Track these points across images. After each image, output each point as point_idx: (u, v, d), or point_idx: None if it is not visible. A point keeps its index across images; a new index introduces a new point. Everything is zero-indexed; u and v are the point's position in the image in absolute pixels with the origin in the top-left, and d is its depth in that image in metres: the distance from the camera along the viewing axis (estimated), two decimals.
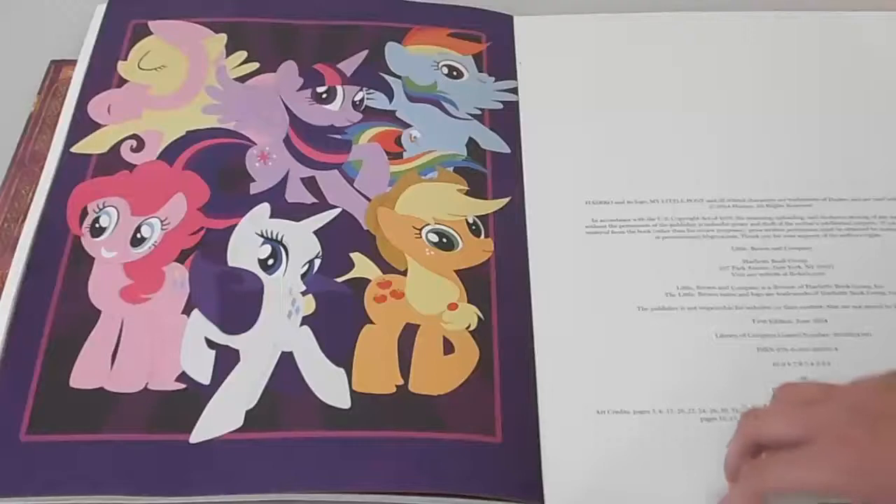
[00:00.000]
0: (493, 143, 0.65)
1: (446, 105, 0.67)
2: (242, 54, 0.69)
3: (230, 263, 0.59)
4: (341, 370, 0.55)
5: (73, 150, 0.64)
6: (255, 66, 0.68)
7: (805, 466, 0.45)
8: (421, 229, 0.61)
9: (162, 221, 0.60)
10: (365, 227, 0.60)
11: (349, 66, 0.69)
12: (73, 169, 0.63)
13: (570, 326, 0.57)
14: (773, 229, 0.61)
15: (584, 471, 0.52)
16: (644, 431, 0.53)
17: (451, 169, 0.64)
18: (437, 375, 0.55)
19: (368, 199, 0.62)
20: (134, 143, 0.64)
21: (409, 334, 0.56)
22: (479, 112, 0.67)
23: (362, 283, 0.58)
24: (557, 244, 0.60)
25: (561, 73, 0.69)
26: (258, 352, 0.55)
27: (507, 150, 0.65)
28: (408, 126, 0.66)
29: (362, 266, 0.59)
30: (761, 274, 0.59)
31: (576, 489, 0.51)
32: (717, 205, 0.62)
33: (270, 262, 0.59)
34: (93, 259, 0.59)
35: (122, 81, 0.67)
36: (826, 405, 0.46)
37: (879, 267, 0.59)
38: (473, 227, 0.61)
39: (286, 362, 0.55)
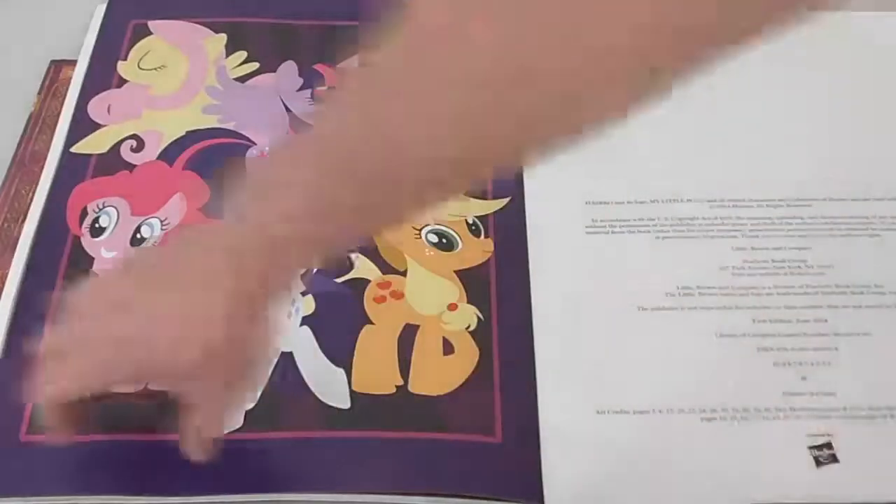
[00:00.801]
0: None
1: None
2: (242, 54, 0.69)
3: None
4: (341, 370, 0.55)
5: (72, 149, 0.64)
6: (254, 66, 0.68)
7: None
8: (420, 230, 0.61)
9: (162, 221, 0.60)
10: None
11: (349, 66, 0.69)
12: (73, 169, 0.63)
13: (570, 327, 0.57)
14: (773, 229, 0.61)
15: (584, 471, 0.52)
16: (644, 431, 0.53)
17: None
18: (437, 376, 0.55)
19: None
20: (134, 143, 0.64)
21: (408, 335, 0.56)
22: None
23: (362, 283, 0.58)
24: (557, 244, 0.60)
25: None
26: None
27: None
28: None
29: (362, 266, 0.59)
30: (761, 274, 0.59)
31: (576, 489, 0.51)
32: (717, 205, 0.62)
33: None
34: (92, 259, 0.59)
35: (121, 81, 0.67)
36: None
37: (879, 267, 0.59)
38: (473, 227, 0.61)
39: (286, 362, 0.55)
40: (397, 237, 0.60)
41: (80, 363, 0.45)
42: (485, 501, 0.51)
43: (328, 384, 0.54)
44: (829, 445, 0.52)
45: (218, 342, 0.43)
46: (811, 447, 0.52)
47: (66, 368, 0.45)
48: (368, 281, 0.58)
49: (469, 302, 0.58)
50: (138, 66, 0.68)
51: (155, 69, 0.68)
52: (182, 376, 0.44)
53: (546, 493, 0.51)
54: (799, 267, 0.59)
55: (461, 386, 0.54)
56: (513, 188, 0.63)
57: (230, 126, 0.65)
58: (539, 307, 0.57)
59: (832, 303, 0.57)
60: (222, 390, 0.46)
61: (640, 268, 0.59)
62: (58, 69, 0.69)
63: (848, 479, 0.51)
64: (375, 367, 0.55)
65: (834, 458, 0.52)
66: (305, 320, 0.56)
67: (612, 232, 0.61)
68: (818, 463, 0.51)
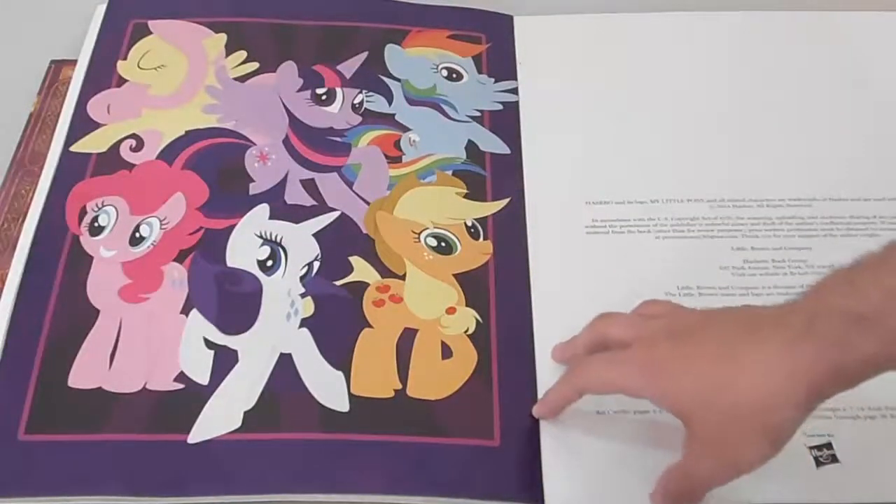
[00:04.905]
0: (492, 144, 0.65)
1: (445, 108, 0.67)
2: (242, 54, 0.69)
3: (229, 264, 0.59)
4: (340, 373, 0.55)
5: (72, 148, 0.64)
6: (254, 66, 0.68)
7: (614, 368, 0.49)
8: (419, 233, 0.60)
9: (161, 221, 0.60)
10: (364, 231, 0.60)
11: (349, 67, 0.69)
12: (73, 168, 0.63)
13: (570, 327, 0.56)
14: (773, 229, 0.61)
15: (584, 473, 0.52)
16: (644, 432, 0.53)
17: (450, 172, 0.63)
18: (436, 380, 0.55)
19: (367, 203, 0.62)
20: (133, 142, 0.64)
21: (407, 339, 0.56)
22: (478, 114, 0.67)
23: (361, 286, 0.58)
24: (557, 244, 0.60)
25: (561, 73, 0.69)
26: (257, 353, 0.55)
27: (506, 150, 0.65)
28: (407, 130, 0.66)
29: (361, 270, 0.59)
30: (761, 274, 0.59)
31: (576, 491, 0.51)
32: (717, 205, 0.62)
33: (269, 263, 0.59)
34: (91, 258, 0.59)
35: (121, 81, 0.67)
36: (659, 320, 0.50)
37: None
38: (472, 230, 0.61)
39: (285, 364, 0.55)
40: (396, 241, 0.60)
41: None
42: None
43: (327, 387, 0.54)
44: (829, 445, 0.52)
45: (779, 430, 0.44)
46: (811, 447, 0.52)
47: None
48: (367, 284, 0.58)
49: (468, 305, 0.57)
50: (138, 66, 0.68)
51: (155, 69, 0.68)
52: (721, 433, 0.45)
53: (546, 496, 0.51)
54: (799, 267, 0.59)
55: (459, 390, 0.54)
56: (512, 189, 0.63)
57: (230, 126, 0.65)
58: (539, 308, 0.57)
59: None
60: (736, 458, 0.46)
61: (640, 268, 0.59)
62: (58, 69, 0.69)
63: (848, 479, 0.51)
64: (374, 371, 0.55)
65: (834, 458, 0.52)
66: (304, 322, 0.56)
67: (612, 232, 0.61)
68: (818, 463, 0.51)
